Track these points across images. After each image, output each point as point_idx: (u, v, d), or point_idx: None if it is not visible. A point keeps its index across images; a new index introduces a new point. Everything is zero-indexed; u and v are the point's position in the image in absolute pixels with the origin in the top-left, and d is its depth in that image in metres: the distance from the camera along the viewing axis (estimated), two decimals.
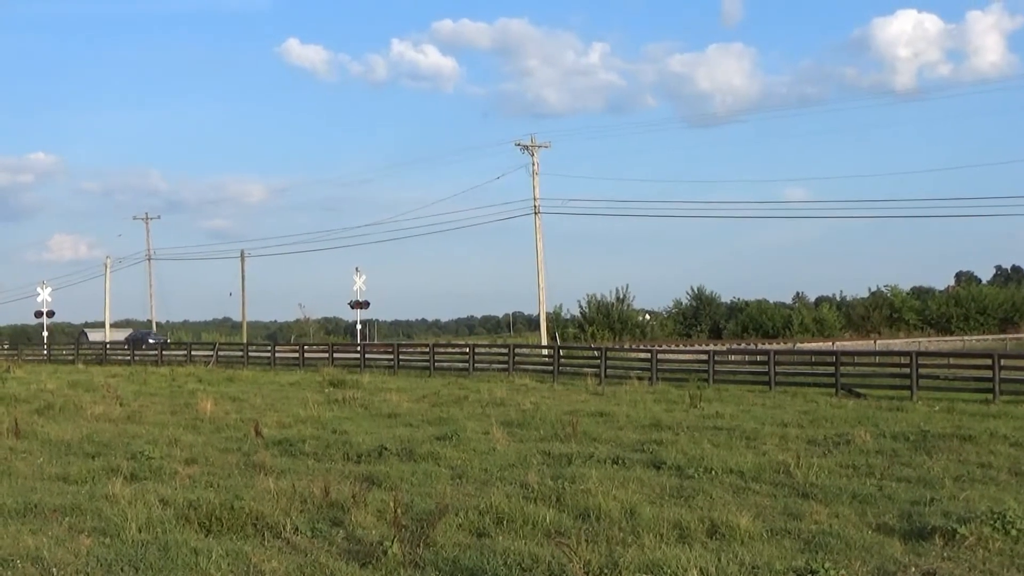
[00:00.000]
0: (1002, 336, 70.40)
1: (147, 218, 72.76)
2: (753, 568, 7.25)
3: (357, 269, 51.17)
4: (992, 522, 8.16)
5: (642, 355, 32.31)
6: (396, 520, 8.03)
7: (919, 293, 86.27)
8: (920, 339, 66.25)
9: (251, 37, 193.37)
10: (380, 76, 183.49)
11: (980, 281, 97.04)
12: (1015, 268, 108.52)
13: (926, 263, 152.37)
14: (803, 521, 8.82)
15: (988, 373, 22.32)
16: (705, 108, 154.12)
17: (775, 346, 52.36)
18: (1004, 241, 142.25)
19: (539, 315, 51.40)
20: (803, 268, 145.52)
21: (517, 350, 34.17)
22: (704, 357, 29.20)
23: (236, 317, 73.91)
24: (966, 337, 70.01)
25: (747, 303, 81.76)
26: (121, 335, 69.64)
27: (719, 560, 7.38)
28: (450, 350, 39.82)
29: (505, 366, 31.63)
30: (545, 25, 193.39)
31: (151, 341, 56.52)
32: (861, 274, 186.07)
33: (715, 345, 56.24)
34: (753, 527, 8.42)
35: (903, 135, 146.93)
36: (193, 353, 43.17)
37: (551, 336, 52.99)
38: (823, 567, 6.99)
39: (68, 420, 17.78)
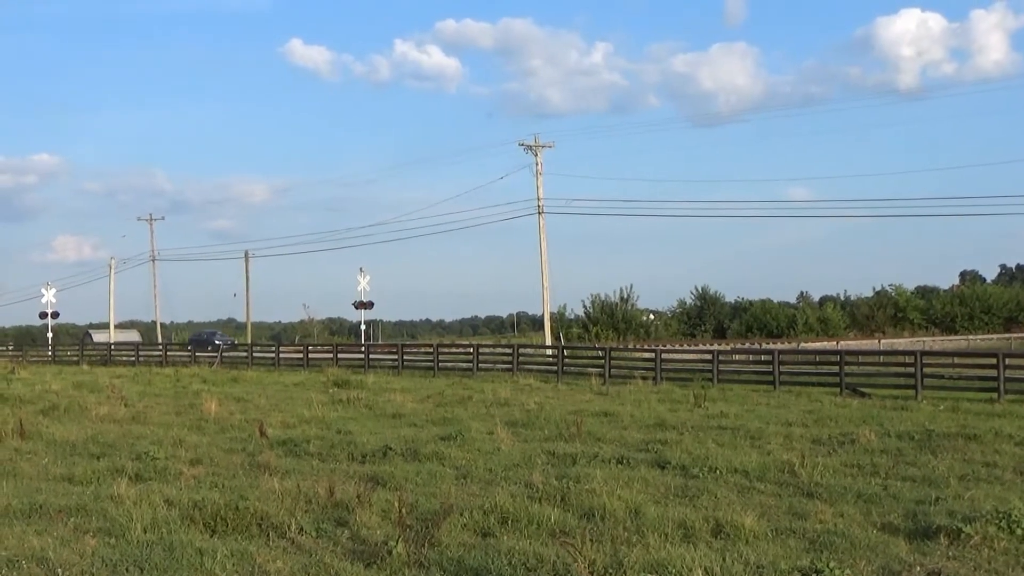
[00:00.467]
0: (1007, 335, 70.23)
1: (151, 219, 72.50)
2: (758, 568, 7.24)
3: (361, 269, 51.18)
4: (997, 521, 8.13)
5: (646, 355, 32.21)
6: (401, 520, 8.03)
7: (923, 292, 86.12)
8: (924, 338, 66.16)
9: (254, 37, 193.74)
10: (383, 76, 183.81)
11: (984, 280, 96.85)
12: (1020, 267, 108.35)
13: (930, 262, 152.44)
14: (808, 520, 8.80)
15: (993, 372, 22.27)
16: (708, 108, 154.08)
17: (779, 346, 52.29)
18: (1008, 240, 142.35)
19: (543, 315, 51.39)
20: (807, 267, 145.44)
21: (521, 350, 34.13)
22: (708, 357, 29.20)
23: (240, 318, 73.84)
24: (971, 336, 69.90)
25: (751, 303, 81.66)
26: (125, 336, 69.37)
27: (724, 560, 7.36)
28: (454, 350, 39.80)
29: (509, 366, 31.60)
30: (548, 25, 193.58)
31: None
32: (865, 273, 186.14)
33: (719, 345, 56.24)
34: (758, 527, 8.40)
35: (907, 134, 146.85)
36: (197, 354, 43.21)
37: (555, 336, 52.92)
38: (828, 567, 6.99)
39: (73, 421, 17.79)
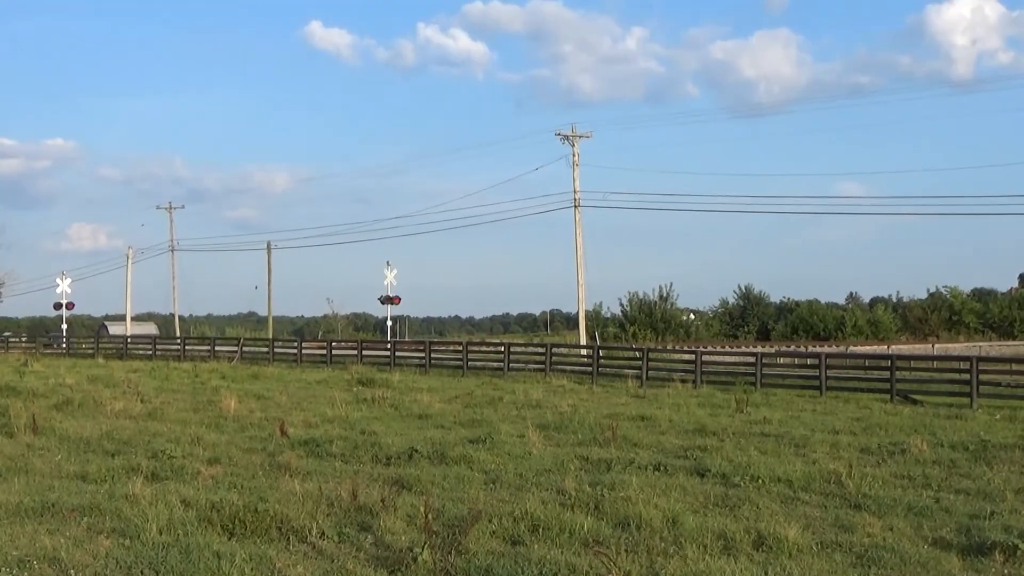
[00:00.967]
0: None
1: (170, 207, 70.78)
2: None
3: (388, 263, 51.16)
4: None
5: (686, 356, 31.79)
6: (427, 526, 7.86)
7: (980, 295, 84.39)
8: (981, 343, 64.67)
9: (272, 19, 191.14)
10: (408, 62, 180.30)
11: None
12: None
13: (988, 263, 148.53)
14: (855, 534, 8.54)
15: None
16: (749, 98, 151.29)
17: (827, 349, 51.46)
18: None
19: (578, 313, 50.71)
20: (857, 267, 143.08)
21: (554, 350, 33.77)
22: (751, 359, 28.64)
23: (262, 311, 74.09)
24: None
25: (797, 303, 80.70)
26: (142, 329, 69.21)
27: (766, 574, 7.21)
28: (484, 349, 39.49)
29: (542, 366, 31.25)
30: (580, 8, 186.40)
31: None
32: (918, 274, 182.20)
33: (763, 347, 55.42)
34: (802, 539, 8.16)
35: (962, 127, 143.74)
36: (217, 348, 42.78)
37: (590, 335, 52.40)
38: None
39: (87, 416, 17.71)
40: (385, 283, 50.76)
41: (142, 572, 7.20)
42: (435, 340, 61.34)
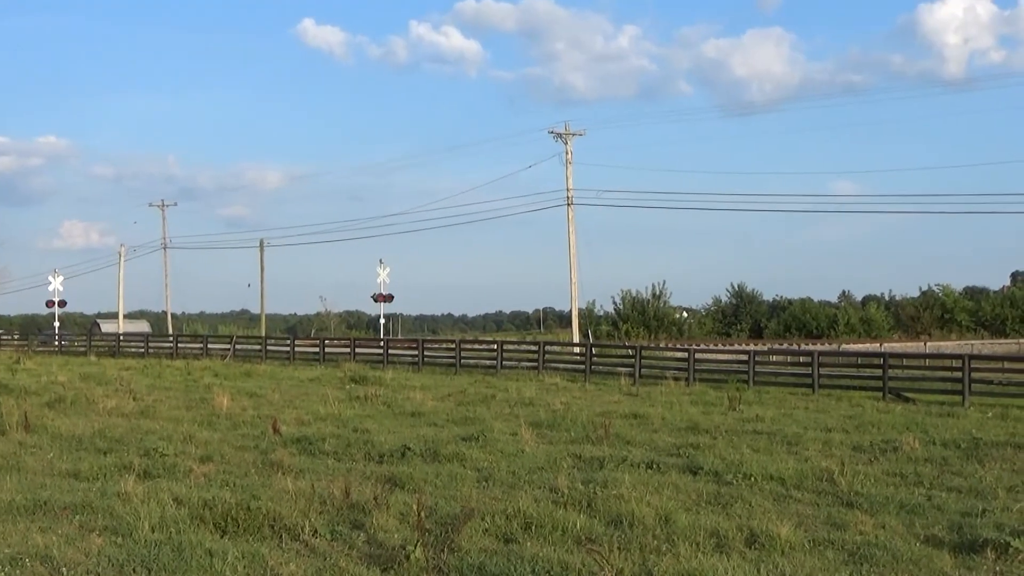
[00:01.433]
0: None
1: (163, 205, 70.59)
2: None
3: (381, 261, 51.28)
4: None
5: (679, 354, 31.83)
6: (419, 523, 7.83)
7: (972, 293, 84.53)
8: (973, 341, 64.82)
9: (265, 16, 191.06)
10: (400, 59, 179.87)
11: None
12: None
13: (980, 262, 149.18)
14: (847, 531, 8.54)
15: None
16: (742, 96, 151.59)
17: (819, 347, 51.49)
18: None
19: (571, 311, 50.73)
20: (849, 265, 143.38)
21: (547, 347, 33.72)
22: (744, 357, 28.69)
23: (254, 309, 73.55)
24: (1022, 340, 68.26)
25: (790, 301, 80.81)
26: (135, 326, 68.94)
27: (758, 571, 7.20)
28: (477, 346, 39.44)
29: (535, 364, 31.21)
30: (573, 6, 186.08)
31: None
32: (911, 272, 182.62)
33: (756, 345, 55.49)
34: (794, 537, 8.16)
35: (954, 126, 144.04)
36: (209, 346, 42.66)
37: (583, 333, 52.41)
38: None
39: (79, 414, 17.65)
40: (378, 281, 50.78)
41: (134, 570, 7.17)
42: (428, 338, 61.21)
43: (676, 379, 26.07)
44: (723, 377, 26.36)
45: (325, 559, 7.53)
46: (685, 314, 79.09)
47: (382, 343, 40.25)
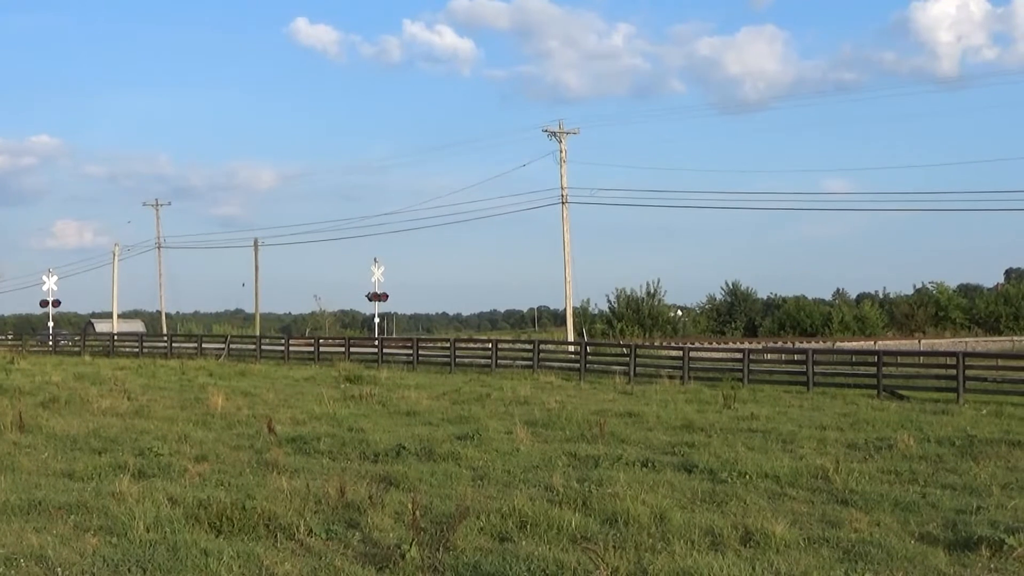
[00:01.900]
0: None
1: (157, 204, 70.53)
2: None
3: (375, 260, 51.19)
4: None
5: (673, 353, 31.81)
6: (414, 523, 7.84)
7: (966, 291, 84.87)
8: (967, 339, 65.03)
9: (258, 15, 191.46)
10: (394, 58, 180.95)
11: None
12: None
13: (974, 260, 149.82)
14: (842, 529, 8.53)
15: None
16: (735, 94, 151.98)
17: (814, 345, 51.60)
18: None
19: (565, 310, 50.66)
20: (844, 263, 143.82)
21: (542, 346, 33.66)
22: (739, 355, 28.71)
23: (249, 308, 73.69)
24: (1016, 337, 68.43)
25: (784, 299, 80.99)
26: (129, 326, 68.58)
27: (753, 569, 7.17)
28: (472, 345, 39.44)
29: (529, 363, 31.21)
30: (566, 4, 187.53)
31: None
32: (905, 270, 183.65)
33: (750, 343, 55.57)
34: (789, 535, 8.15)
35: (948, 123, 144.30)
36: (204, 346, 42.62)
37: (578, 332, 52.40)
38: None
39: (74, 414, 17.57)
40: (372, 280, 50.72)
41: (129, 570, 7.15)
42: (423, 337, 61.26)
43: (671, 377, 26.07)
44: (718, 375, 26.38)
45: (320, 558, 7.51)
46: (680, 312, 79.21)
47: (377, 342, 40.19)
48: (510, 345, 37.70)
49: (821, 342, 61.73)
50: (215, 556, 7.35)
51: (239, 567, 7.19)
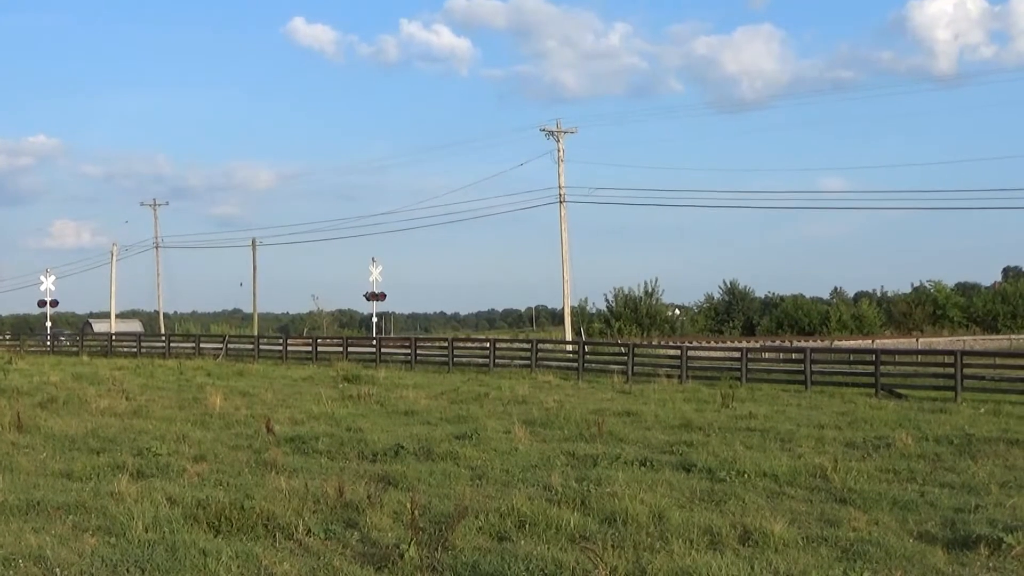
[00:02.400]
0: None
1: (155, 204, 70.18)
2: None
3: (373, 259, 51.22)
4: None
5: (671, 352, 31.83)
6: (413, 522, 7.83)
7: (964, 289, 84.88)
8: (965, 337, 65.10)
9: (255, 15, 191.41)
10: (391, 58, 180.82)
11: None
12: None
13: (972, 258, 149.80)
14: (841, 528, 8.53)
15: None
16: (733, 93, 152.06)
17: (812, 344, 51.64)
18: None
19: (563, 309, 50.62)
20: (841, 262, 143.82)
21: (540, 345, 33.74)
22: (737, 355, 28.72)
23: (247, 308, 73.51)
24: (1014, 336, 68.58)
25: (782, 298, 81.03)
26: (127, 326, 68.43)
27: (752, 568, 7.16)
28: (470, 345, 39.42)
29: (527, 362, 31.22)
30: (563, 4, 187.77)
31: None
32: (903, 269, 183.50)
33: (748, 342, 55.61)
34: (788, 534, 8.14)
35: (946, 122, 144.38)
36: (202, 346, 42.56)
37: (576, 331, 52.37)
38: None
39: (72, 414, 17.55)
40: (370, 279, 50.72)
41: (128, 570, 7.13)
42: (421, 336, 61.23)
43: (669, 376, 26.08)
44: (716, 374, 26.37)
45: (319, 558, 7.50)
46: (677, 311, 79.27)
47: (375, 342, 40.15)
48: (508, 344, 37.71)
49: (819, 341, 61.78)
50: (214, 556, 7.34)
51: (238, 567, 7.18)
